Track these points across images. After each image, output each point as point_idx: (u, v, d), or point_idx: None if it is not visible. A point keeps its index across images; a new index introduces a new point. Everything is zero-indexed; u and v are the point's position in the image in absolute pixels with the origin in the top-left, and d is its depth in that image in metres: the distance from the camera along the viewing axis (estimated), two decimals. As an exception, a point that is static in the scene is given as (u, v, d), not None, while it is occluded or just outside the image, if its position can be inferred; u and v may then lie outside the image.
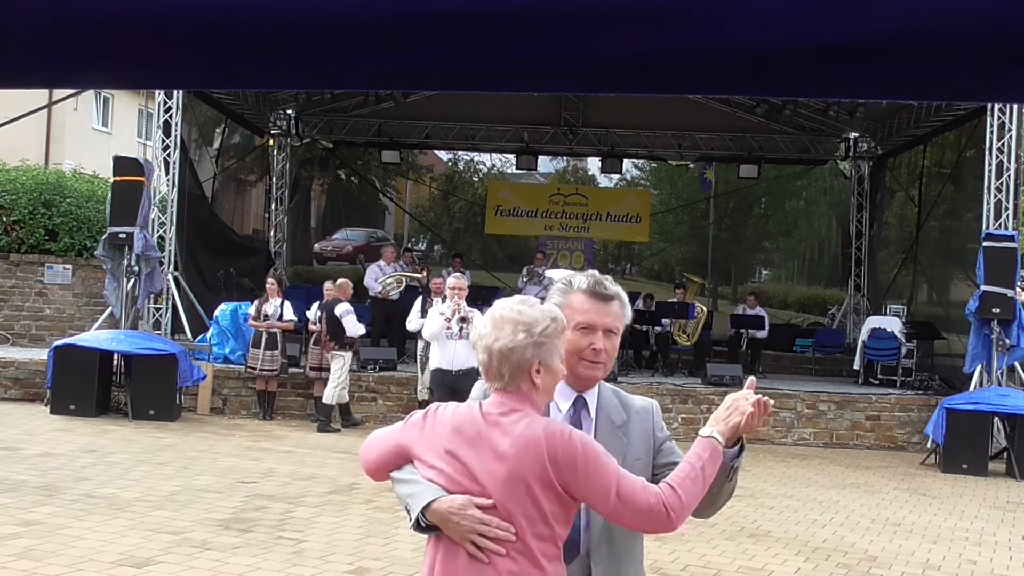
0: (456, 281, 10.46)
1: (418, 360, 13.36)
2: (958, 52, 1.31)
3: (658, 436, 2.64)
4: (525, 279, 18.55)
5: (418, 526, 2.37)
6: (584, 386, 2.59)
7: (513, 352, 2.32)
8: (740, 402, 2.46)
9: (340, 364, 13.02)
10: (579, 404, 2.59)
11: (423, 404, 13.53)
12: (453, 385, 9.92)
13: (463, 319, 9.90)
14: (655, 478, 2.46)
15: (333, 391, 12.98)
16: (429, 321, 10.24)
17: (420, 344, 13.25)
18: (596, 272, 2.62)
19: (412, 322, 12.46)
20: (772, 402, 2.51)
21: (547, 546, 2.30)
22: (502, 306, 2.41)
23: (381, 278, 16.29)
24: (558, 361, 2.37)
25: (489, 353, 2.35)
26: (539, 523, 2.28)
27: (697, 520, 2.70)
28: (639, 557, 2.63)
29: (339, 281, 13.58)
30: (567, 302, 2.56)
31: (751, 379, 2.58)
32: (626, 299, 2.64)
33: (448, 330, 9.92)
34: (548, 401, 2.44)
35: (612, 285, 2.60)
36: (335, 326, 13.00)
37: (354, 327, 13.03)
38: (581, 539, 2.50)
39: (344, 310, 13.03)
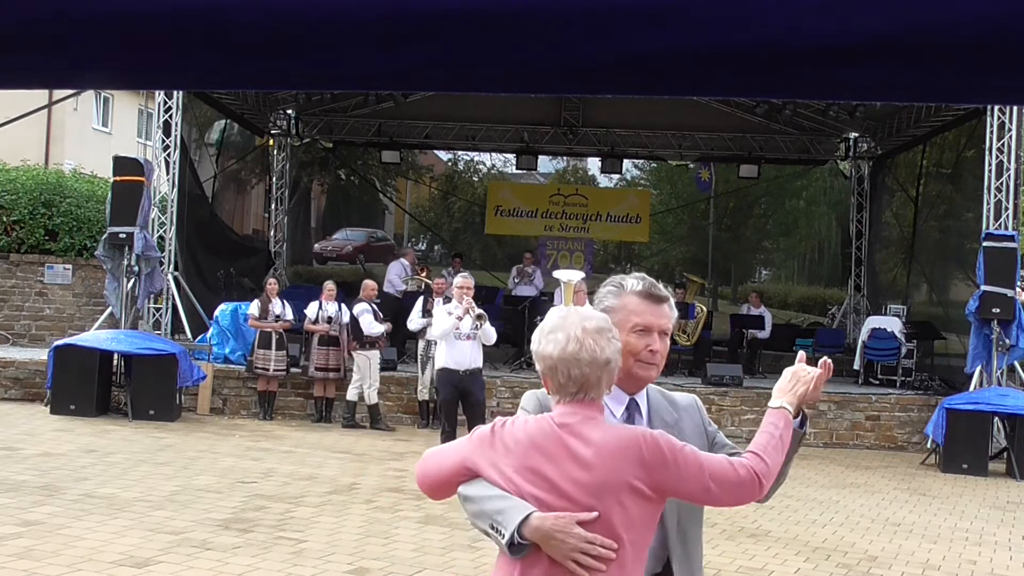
0: (464, 280, 10.34)
1: (419, 360, 13.37)
2: (955, 54, 1.31)
3: (709, 430, 2.71)
4: (516, 280, 18.52)
5: (511, 544, 2.27)
6: (635, 388, 2.61)
7: (612, 360, 2.33)
8: (800, 372, 2.53)
9: (367, 363, 13.19)
10: (632, 407, 2.61)
11: (423, 404, 13.55)
12: (459, 385, 9.87)
13: (479, 316, 9.85)
14: None
15: (369, 391, 13.25)
16: (437, 320, 10.16)
17: (421, 344, 13.27)
18: (645, 275, 2.65)
19: (413, 321, 12.46)
20: (831, 363, 2.60)
21: (639, 552, 2.30)
22: (577, 318, 2.35)
23: (405, 277, 16.38)
24: None
25: (595, 365, 2.30)
26: (630, 529, 2.27)
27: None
28: (702, 554, 2.70)
29: (364, 282, 13.92)
30: (621, 304, 2.57)
31: (802, 353, 2.65)
32: (672, 301, 2.69)
33: (457, 329, 9.87)
34: None
35: (663, 287, 2.65)
36: (356, 325, 13.20)
37: (369, 326, 13.14)
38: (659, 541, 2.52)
39: (361, 309, 13.21)
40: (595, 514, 2.23)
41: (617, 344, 2.34)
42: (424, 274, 16.64)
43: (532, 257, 19.09)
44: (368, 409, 13.34)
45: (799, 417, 2.54)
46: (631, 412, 2.59)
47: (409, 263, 17.38)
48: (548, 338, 2.35)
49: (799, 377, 2.52)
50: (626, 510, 2.24)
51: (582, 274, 8.29)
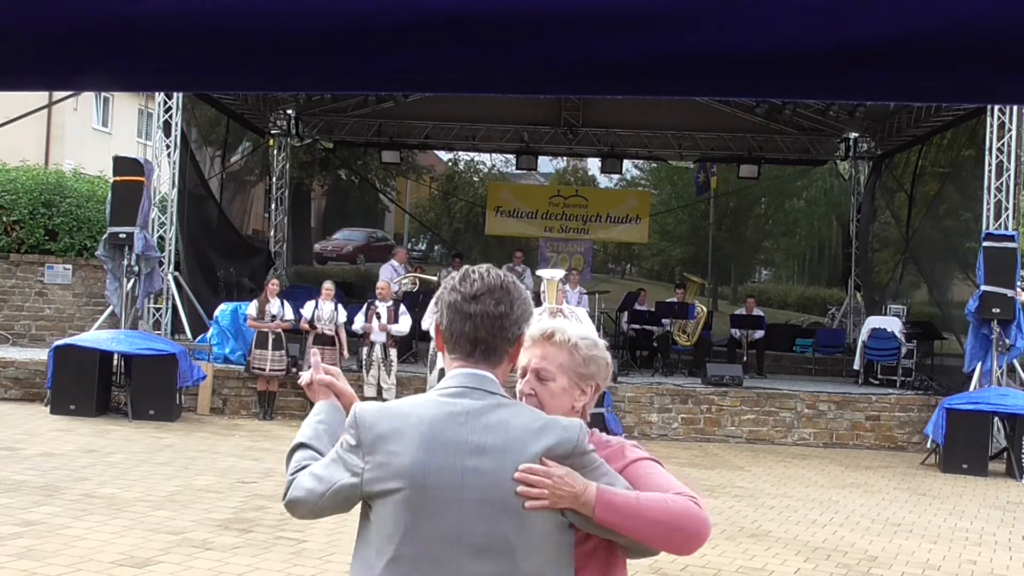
0: None
1: (428, 360, 13.38)
2: (961, 55, 1.32)
3: None
4: None
5: None
6: None
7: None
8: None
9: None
10: None
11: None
12: None
13: None
14: None
15: (392, 388, 13.51)
16: None
17: (432, 344, 13.32)
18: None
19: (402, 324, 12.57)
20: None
21: None
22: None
23: (397, 278, 16.37)
24: None
25: None
26: None
27: None
28: None
29: (379, 283, 14.30)
30: None
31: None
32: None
33: None
34: None
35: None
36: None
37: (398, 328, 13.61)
38: None
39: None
40: None
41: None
42: (416, 271, 16.58)
43: (522, 256, 19.07)
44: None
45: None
46: None
47: (400, 263, 17.28)
48: None
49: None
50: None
51: (563, 272, 8.43)
